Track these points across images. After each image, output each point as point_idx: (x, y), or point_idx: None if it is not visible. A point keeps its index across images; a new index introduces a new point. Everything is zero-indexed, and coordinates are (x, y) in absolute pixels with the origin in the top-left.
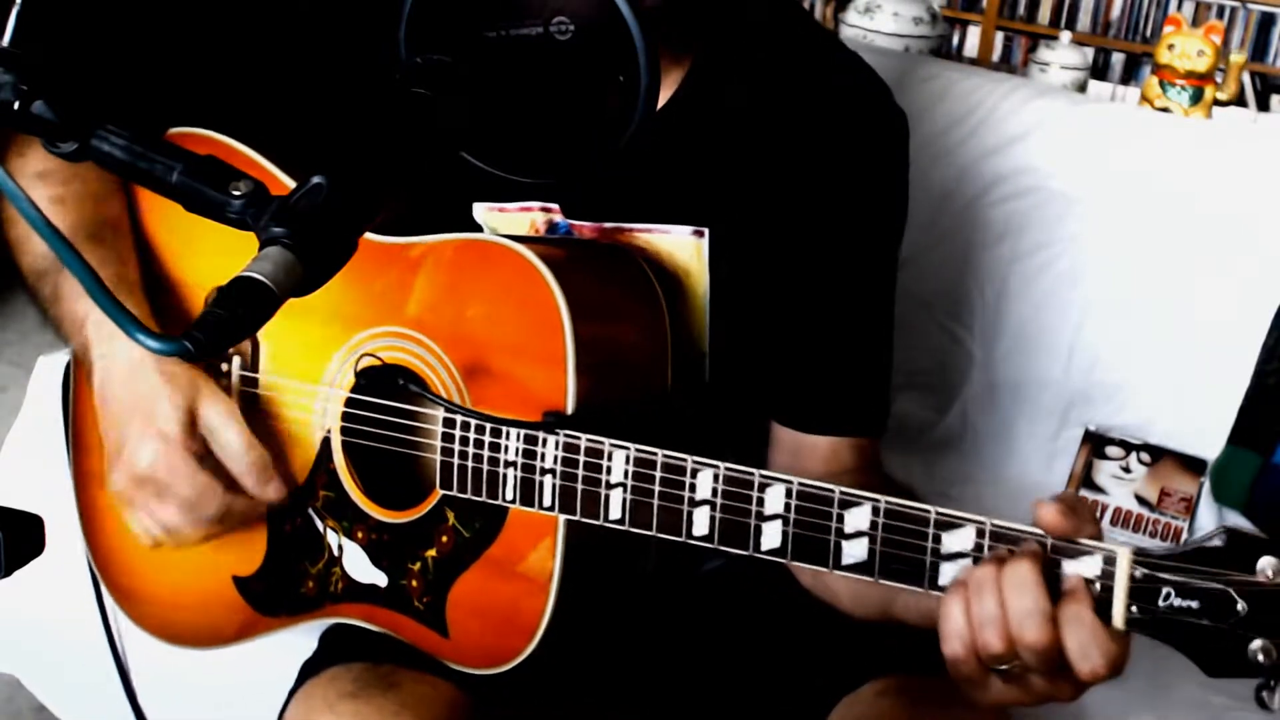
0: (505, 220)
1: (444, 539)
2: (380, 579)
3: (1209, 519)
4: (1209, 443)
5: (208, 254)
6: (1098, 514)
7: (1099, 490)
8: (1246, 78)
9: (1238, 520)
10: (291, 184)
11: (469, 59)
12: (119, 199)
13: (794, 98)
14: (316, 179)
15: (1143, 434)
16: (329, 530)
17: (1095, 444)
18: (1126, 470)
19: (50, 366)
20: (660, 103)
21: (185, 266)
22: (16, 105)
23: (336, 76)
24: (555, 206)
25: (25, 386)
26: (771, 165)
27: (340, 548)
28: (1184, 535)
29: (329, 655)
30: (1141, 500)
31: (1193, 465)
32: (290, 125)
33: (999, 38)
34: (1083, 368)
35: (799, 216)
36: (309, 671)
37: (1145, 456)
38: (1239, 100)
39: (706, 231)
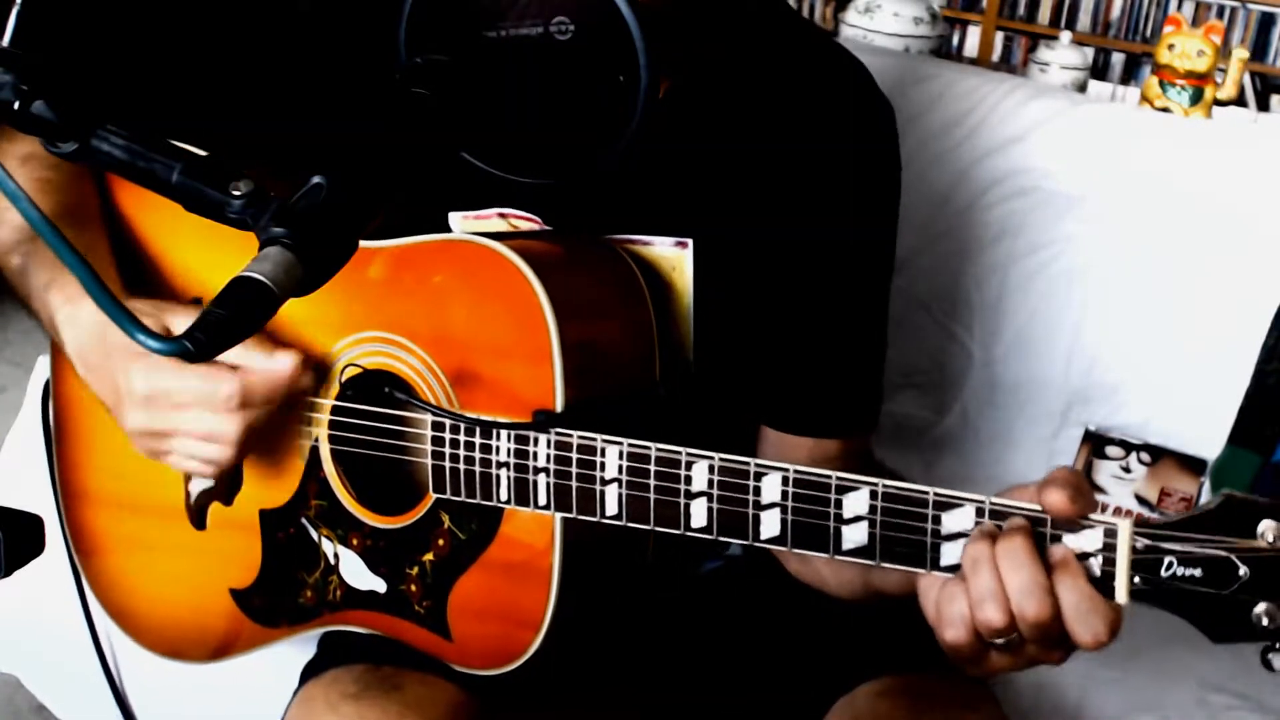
0: (481, 229)
1: (440, 542)
2: (379, 585)
3: None
4: (1209, 443)
5: (184, 233)
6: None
7: (1099, 490)
8: (1246, 78)
9: None
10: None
11: (469, 59)
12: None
13: (776, 98)
14: (316, 179)
15: (1143, 434)
16: (324, 539)
17: (1095, 444)
18: (1126, 470)
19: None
20: None
21: (161, 246)
22: (16, 105)
23: (336, 77)
24: (523, 214)
25: (25, 387)
26: (757, 172)
27: (336, 556)
28: None
29: (329, 657)
30: (1141, 500)
31: (1193, 465)
32: (288, 126)
33: (999, 38)
34: (1082, 367)
35: (786, 220)
36: (310, 673)
37: (1145, 456)
38: (1239, 100)
39: (690, 242)
